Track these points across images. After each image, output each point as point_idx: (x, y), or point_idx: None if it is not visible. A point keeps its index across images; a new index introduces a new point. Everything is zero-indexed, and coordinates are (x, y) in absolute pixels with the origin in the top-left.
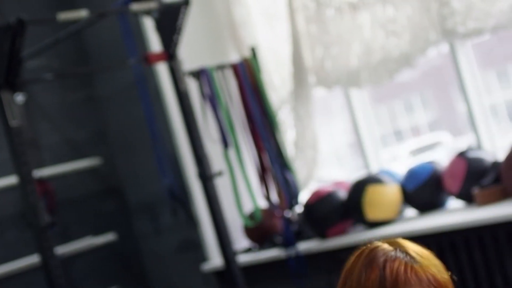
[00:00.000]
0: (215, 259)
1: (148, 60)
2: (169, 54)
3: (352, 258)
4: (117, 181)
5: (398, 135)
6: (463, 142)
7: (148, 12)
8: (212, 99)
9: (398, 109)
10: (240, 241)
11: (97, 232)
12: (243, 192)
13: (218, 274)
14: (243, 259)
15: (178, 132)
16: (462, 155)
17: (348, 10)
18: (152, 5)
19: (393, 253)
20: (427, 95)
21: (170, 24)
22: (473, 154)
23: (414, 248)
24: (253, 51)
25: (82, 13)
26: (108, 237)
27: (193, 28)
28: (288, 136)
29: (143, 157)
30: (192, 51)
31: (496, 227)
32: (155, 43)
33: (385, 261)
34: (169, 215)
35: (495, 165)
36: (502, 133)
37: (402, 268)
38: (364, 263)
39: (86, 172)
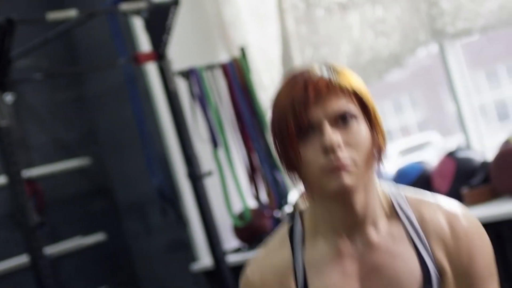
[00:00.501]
0: (204, 259)
1: (137, 60)
2: (159, 54)
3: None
4: (106, 181)
5: (388, 135)
6: (452, 142)
7: (137, 12)
8: (202, 99)
9: (388, 109)
10: (230, 241)
11: (86, 232)
12: (233, 192)
13: (207, 274)
14: (233, 259)
15: (168, 132)
16: (451, 155)
17: (337, 11)
18: (142, 4)
19: (316, 71)
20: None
21: (159, 24)
22: (462, 154)
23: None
24: (243, 51)
25: (71, 13)
26: (97, 237)
27: (183, 28)
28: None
29: (133, 157)
30: (182, 51)
31: (484, 226)
32: (144, 43)
33: (308, 77)
34: (158, 215)
35: (484, 165)
36: (491, 133)
37: (324, 82)
38: (288, 81)
39: (75, 172)
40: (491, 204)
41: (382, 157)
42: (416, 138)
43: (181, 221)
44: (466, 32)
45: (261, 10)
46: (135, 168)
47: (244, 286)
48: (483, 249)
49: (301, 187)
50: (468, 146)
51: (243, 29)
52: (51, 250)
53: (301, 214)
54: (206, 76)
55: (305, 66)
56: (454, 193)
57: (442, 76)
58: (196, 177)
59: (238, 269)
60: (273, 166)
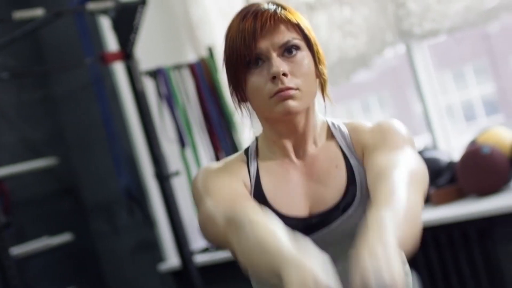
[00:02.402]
0: (172, 259)
1: (104, 59)
2: (126, 54)
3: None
4: (73, 181)
5: None
6: (419, 142)
7: (104, 11)
8: (169, 98)
9: (356, 109)
10: (197, 241)
11: (53, 232)
12: None
13: (175, 274)
14: (200, 259)
15: (135, 132)
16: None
17: (305, 11)
18: (109, 4)
19: (264, 6)
20: (384, 96)
21: (127, 24)
22: (429, 154)
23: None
24: (210, 51)
25: (38, 12)
26: (64, 237)
27: (150, 28)
28: (245, 136)
29: (100, 157)
30: (149, 51)
31: (451, 226)
32: (111, 43)
33: (256, 10)
34: (126, 215)
35: (451, 165)
36: (458, 133)
37: (271, 15)
38: (239, 14)
39: (42, 172)
40: (457, 204)
41: (325, 85)
42: None
43: (149, 221)
44: (433, 33)
45: (229, 10)
46: (103, 168)
47: (201, 173)
48: (394, 131)
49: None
50: (434, 146)
51: (210, 29)
52: (18, 250)
53: (256, 138)
54: (174, 76)
55: (256, 2)
56: None
57: (409, 77)
58: (163, 177)
59: (206, 269)
60: None
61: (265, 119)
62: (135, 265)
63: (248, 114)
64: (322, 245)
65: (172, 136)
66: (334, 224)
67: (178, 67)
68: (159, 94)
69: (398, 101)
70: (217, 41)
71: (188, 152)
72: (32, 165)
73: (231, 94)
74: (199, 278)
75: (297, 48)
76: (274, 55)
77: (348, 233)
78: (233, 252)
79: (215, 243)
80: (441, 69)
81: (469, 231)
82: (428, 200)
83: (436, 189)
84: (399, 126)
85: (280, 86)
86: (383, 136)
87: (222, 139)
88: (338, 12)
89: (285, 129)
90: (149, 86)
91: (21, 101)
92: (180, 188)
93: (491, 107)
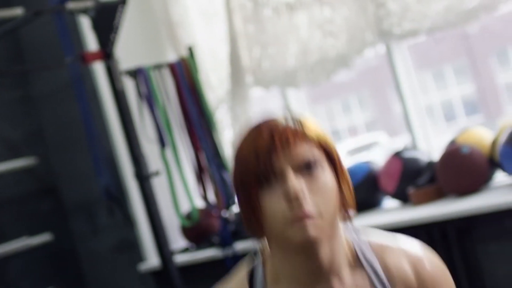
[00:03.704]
0: (152, 259)
1: (84, 59)
2: (106, 53)
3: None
4: (53, 180)
5: (336, 135)
6: (399, 142)
7: (84, 11)
8: (149, 98)
9: (336, 109)
10: (177, 241)
11: (32, 232)
12: (180, 192)
13: (155, 274)
14: (180, 259)
15: (115, 132)
16: (398, 155)
17: (285, 11)
18: (89, 3)
19: (281, 121)
20: (364, 96)
21: (107, 23)
22: (408, 154)
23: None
24: (191, 50)
25: (17, 11)
26: (44, 237)
27: (130, 27)
28: (225, 135)
29: (80, 157)
30: (129, 50)
31: (430, 226)
32: (91, 42)
33: (274, 126)
34: (105, 215)
35: (430, 165)
36: (438, 133)
37: (290, 131)
38: (252, 130)
39: (21, 172)
40: (437, 204)
41: (349, 209)
42: (363, 138)
43: (128, 221)
44: (413, 33)
45: (209, 10)
46: (82, 168)
47: None
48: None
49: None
50: (414, 146)
51: (191, 28)
52: None
53: (263, 261)
54: (154, 75)
55: (269, 116)
56: (400, 193)
57: (389, 77)
58: (143, 177)
59: (185, 269)
60: (220, 166)
61: (278, 247)
62: (115, 265)
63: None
64: None
65: (152, 136)
66: None
67: (158, 66)
68: (139, 94)
69: (378, 101)
70: (198, 40)
71: (168, 152)
72: (12, 165)
73: (243, 222)
74: (179, 278)
75: (318, 164)
76: (290, 171)
77: None
78: None
79: None
80: (421, 69)
81: (448, 231)
82: (408, 200)
83: (416, 189)
84: (445, 271)
85: (296, 207)
86: None
87: (202, 139)
88: (319, 12)
89: (303, 261)
90: (129, 86)
91: (0, 101)
92: (160, 188)
93: (471, 107)
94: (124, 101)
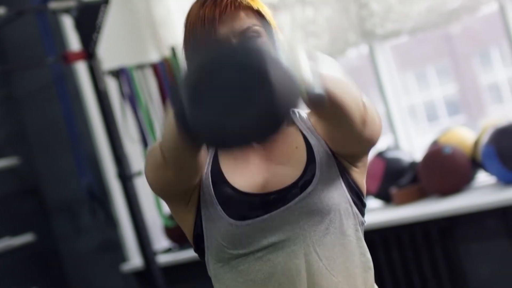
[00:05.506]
0: (134, 260)
1: (67, 59)
2: (89, 53)
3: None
4: (35, 181)
5: None
6: (382, 142)
7: (67, 11)
8: (132, 98)
9: None
10: (160, 241)
11: (15, 232)
12: None
13: (138, 274)
14: (163, 259)
15: (98, 132)
16: (380, 155)
17: None
18: (71, 3)
19: None
20: None
21: (89, 23)
22: (391, 154)
23: None
24: (173, 50)
25: (0, 11)
26: (26, 238)
27: (113, 27)
28: None
29: (62, 157)
30: (112, 50)
31: (413, 226)
32: (74, 42)
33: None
34: (88, 215)
35: (413, 165)
36: (420, 133)
37: (230, 1)
38: (198, 1)
39: (3, 172)
40: (419, 204)
41: None
42: None
43: (111, 222)
44: (395, 34)
45: None
46: (65, 168)
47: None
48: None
49: None
50: (397, 147)
51: (173, 28)
52: None
53: None
54: (137, 75)
55: None
56: (383, 193)
57: (371, 77)
58: (126, 177)
59: (168, 269)
60: None
61: None
62: (97, 265)
63: None
64: (281, 223)
65: (134, 136)
66: (292, 202)
67: (141, 66)
68: (122, 94)
69: None
70: (180, 41)
71: None
72: None
73: None
74: (162, 278)
75: (256, 33)
76: (232, 36)
77: (307, 212)
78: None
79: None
80: (403, 70)
81: (430, 230)
82: (390, 200)
83: (398, 189)
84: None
85: None
86: None
87: None
88: (301, 12)
89: None
90: (111, 86)
91: None
92: (143, 188)
93: (453, 108)
94: (106, 101)
